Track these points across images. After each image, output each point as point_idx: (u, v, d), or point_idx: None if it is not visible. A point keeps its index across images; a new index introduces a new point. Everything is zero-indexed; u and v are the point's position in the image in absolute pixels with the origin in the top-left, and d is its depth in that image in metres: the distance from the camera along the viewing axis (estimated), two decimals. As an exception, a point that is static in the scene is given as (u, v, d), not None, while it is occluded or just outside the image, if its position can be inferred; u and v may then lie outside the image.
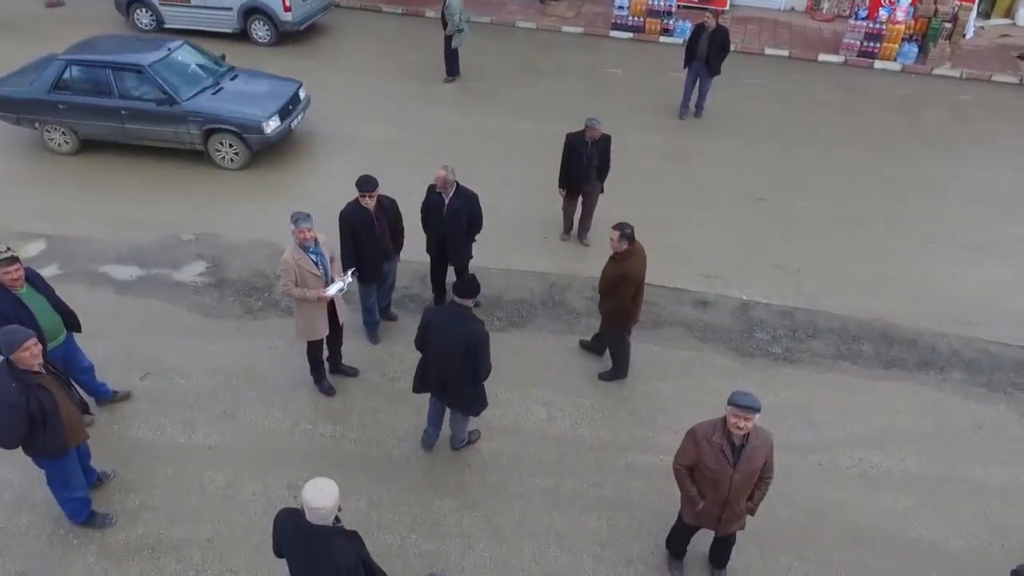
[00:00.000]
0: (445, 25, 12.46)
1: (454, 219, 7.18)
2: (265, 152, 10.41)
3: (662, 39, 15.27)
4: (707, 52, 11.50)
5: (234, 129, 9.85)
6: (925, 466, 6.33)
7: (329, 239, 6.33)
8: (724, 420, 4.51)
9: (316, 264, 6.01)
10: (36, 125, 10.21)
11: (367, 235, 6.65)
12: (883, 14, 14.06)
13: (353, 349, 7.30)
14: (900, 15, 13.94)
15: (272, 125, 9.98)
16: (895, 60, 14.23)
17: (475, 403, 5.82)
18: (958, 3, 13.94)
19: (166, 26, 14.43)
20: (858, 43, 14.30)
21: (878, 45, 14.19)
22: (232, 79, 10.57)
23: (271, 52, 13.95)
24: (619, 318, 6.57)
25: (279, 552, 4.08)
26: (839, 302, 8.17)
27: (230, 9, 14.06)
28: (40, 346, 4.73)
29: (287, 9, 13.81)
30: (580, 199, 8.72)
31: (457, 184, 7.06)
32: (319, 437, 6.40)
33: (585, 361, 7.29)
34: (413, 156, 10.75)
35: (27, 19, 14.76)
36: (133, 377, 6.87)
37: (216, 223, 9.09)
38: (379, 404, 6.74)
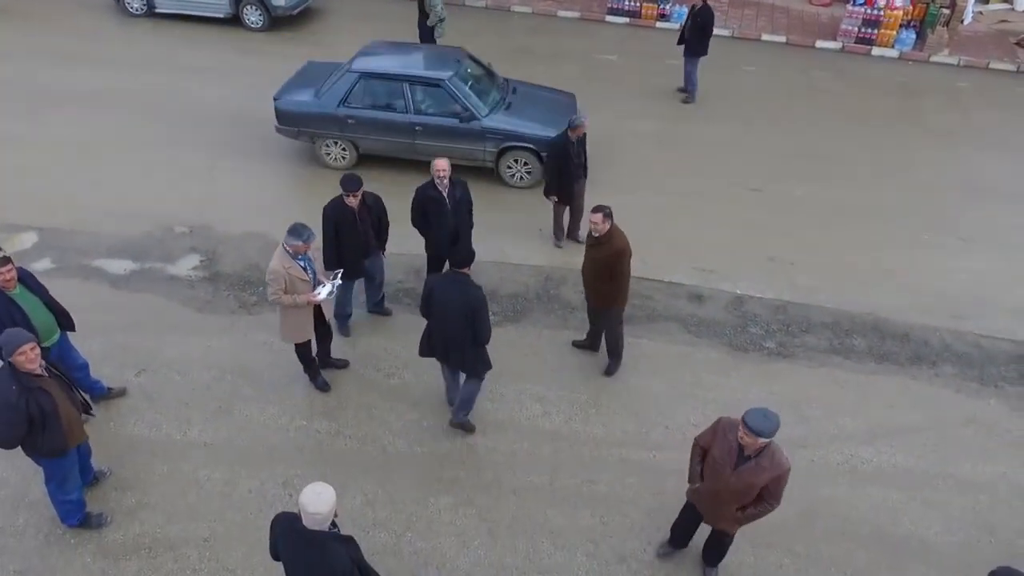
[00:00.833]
0: (425, 14, 12.23)
1: (459, 210, 7.20)
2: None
3: (658, 24, 15.13)
4: (688, 32, 11.52)
5: (532, 147, 9.43)
6: (916, 461, 6.39)
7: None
8: None
9: (305, 270, 6.02)
10: (315, 139, 9.81)
11: (350, 232, 6.67)
12: (881, 0, 13.95)
13: (348, 343, 7.33)
14: (898, 1, 13.84)
15: None
16: (893, 47, 14.14)
17: (478, 364, 6.07)
18: (957, -11, 13.85)
19: (157, 11, 14.25)
20: (856, 29, 14.20)
21: (876, 31, 14.09)
22: (513, 92, 10.10)
23: (264, 37, 13.82)
24: (620, 296, 6.56)
25: (275, 555, 4.11)
26: (832, 295, 8.20)
27: (223, -7, 13.87)
28: (38, 349, 4.73)
29: (279, -7, 13.64)
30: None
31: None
32: (314, 434, 6.43)
33: (579, 356, 7.32)
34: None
35: (16, 1, 14.52)
36: (128, 373, 6.88)
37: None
38: (374, 400, 6.76)
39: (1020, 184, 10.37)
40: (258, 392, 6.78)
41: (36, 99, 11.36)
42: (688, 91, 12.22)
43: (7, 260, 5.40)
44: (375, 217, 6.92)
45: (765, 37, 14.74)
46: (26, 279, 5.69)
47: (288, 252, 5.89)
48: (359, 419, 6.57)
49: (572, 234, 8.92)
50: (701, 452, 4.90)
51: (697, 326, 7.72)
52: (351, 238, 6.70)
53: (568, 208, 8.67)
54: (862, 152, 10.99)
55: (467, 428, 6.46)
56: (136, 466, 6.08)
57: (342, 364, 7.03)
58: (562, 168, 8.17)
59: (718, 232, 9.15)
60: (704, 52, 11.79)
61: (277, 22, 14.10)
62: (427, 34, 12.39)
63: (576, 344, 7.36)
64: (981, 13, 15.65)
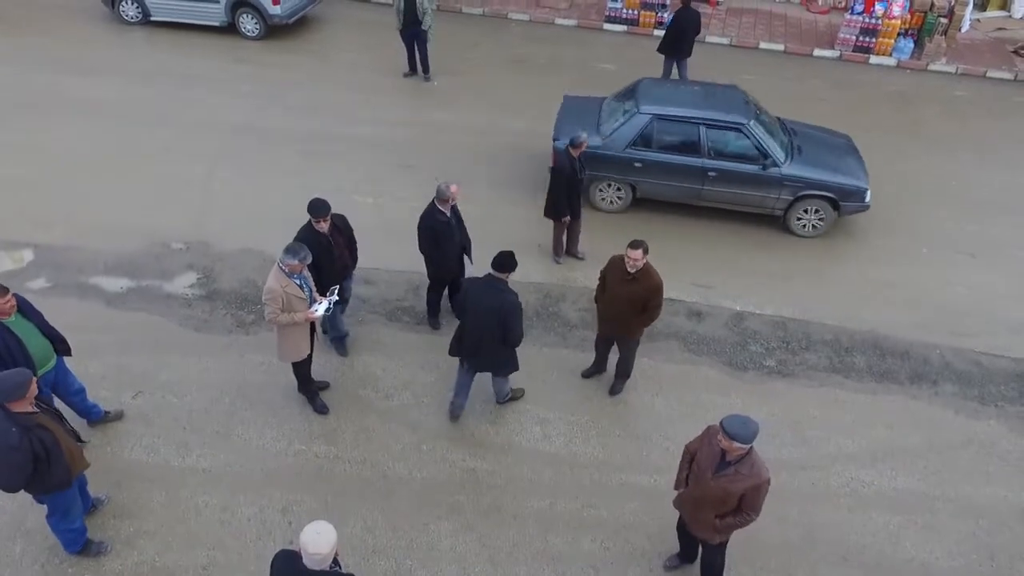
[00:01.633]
0: (414, 22, 12.05)
1: (461, 229, 7.28)
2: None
3: (656, 32, 15.06)
4: (670, 34, 11.98)
5: (831, 196, 8.98)
6: (916, 484, 6.39)
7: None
8: None
9: (301, 287, 6.00)
10: (592, 181, 9.32)
11: (326, 258, 6.62)
12: (879, 8, 13.94)
13: (346, 363, 7.30)
14: (896, 10, 13.83)
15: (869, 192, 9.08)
16: (891, 55, 14.14)
17: (506, 365, 6.38)
18: (954, -2, 13.86)
19: (152, 19, 14.17)
20: (854, 38, 14.20)
21: (874, 40, 14.09)
22: (794, 133, 9.61)
23: (259, 47, 13.75)
24: (643, 328, 6.56)
25: (275, 593, 4.08)
26: (832, 311, 8.19)
27: (218, 1, 13.79)
28: (36, 388, 4.69)
29: (276, 2, 13.57)
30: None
31: None
32: (313, 458, 6.40)
33: (579, 377, 7.29)
34: (398, 157, 10.71)
35: (8, 7, 14.41)
36: (125, 396, 6.84)
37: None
38: (373, 422, 6.73)
39: (1018, 196, 10.37)
40: (256, 414, 6.74)
41: (29, 109, 11.27)
42: None
43: (6, 290, 5.35)
44: (347, 238, 6.92)
45: (763, 45, 14.73)
46: (22, 305, 5.63)
47: (284, 271, 5.86)
48: (358, 442, 6.54)
49: (571, 250, 8.90)
50: (689, 457, 5.05)
51: (697, 344, 7.71)
52: (328, 263, 6.66)
53: (568, 227, 8.65)
54: (860, 163, 10.97)
55: (516, 396, 6.93)
56: (134, 492, 6.04)
57: (324, 385, 6.98)
58: (569, 192, 8.13)
59: (715, 248, 9.13)
60: (687, 54, 12.10)
61: (273, 31, 14.03)
62: (413, 38, 12.32)
63: (586, 375, 7.26)
64: (979, 20, 15.65)
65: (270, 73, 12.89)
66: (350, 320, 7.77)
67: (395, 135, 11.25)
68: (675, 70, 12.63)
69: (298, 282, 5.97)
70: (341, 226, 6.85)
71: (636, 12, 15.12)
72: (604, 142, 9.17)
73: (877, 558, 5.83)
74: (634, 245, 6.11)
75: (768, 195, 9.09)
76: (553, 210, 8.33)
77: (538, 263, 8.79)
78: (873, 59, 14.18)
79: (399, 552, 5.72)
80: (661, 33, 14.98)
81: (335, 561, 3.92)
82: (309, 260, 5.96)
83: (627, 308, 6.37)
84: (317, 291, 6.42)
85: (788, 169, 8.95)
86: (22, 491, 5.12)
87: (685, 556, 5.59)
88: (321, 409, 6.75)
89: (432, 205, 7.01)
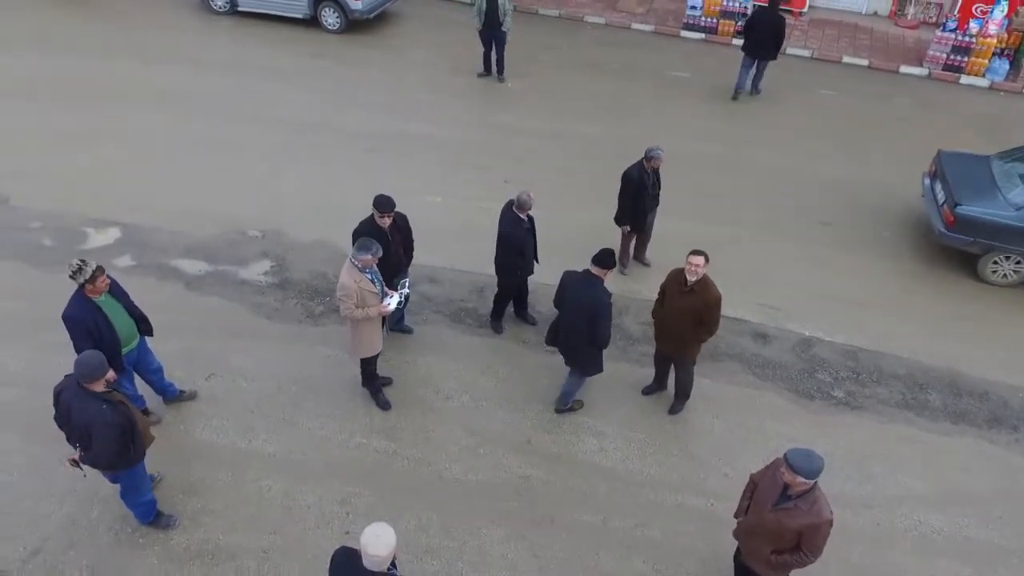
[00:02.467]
0: (493, 24, 12.11)
1: (535, 238, 7.33)
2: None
3: (734, 41, 14.81)
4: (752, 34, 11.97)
5: None
6: (989, 534, 6.12)
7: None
8: None
9: (373, 282, 6.12)
10: (986, 251, 8.66)
11: (383, 255, 6.71)
12: (974, 26, 13.36)
13: (409, 363, 7.41)
14: (992, 28, 13.23)
15: None
16: (983, 76, 13.53)
17: (589, 365, 6.46)
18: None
19: (240, 8, 14.62)
20: (944, 56, 13.64)
21: (966, 59, 13.51)
22: None
23: (338, 40, 14.04)
24: (699, 345, 6.48)
25: (333, 587, 4.18)
26: (907, 343, 7.91)
27: (304, -6, 14.15)
28: (113, 374, 4.94)
29: (357, -2, 13.85)
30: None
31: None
32: (373, 452, 6.53)
33: (638, 391, 7.23)
34: (470, 157, 10.80)
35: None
36: (199, 377, 7.09)
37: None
38: (433, 423, 6.82)
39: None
40: (320, 405, 6.91)
41: (117, 96, 11.77)
42: (738, 89, 12.63)
43: (102, 270, 5.61)
44: (404, 237, 7.03)
45: (846, 59, 14.29)
46: (111, 285, 5.88)
47: (356, 266, 5.98)
48: (417, 441, 6.64)
49: (639, 256, 8.84)
50: (752, 487, 4.95)
51: (761, 368, 7.55)
52: (383, 258, 6.77)
53: (636, 238, 8.59)
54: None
55: (574, 408, 6.94)
56: (203, 471, 6.27)
57: (387, 381, 7.10)
58: (636, 199, 8.07)
59: (786, 266, 8.93)
60: (771, 56, 12.19)
61: (353, 25, 14.32)
62: (492, 39, 12.36)
63: (645, 392, 7.19)
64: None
65: (346, 68, 13.16)
66: (415, 318, 7.91)
67: (466, 135, 11.35)
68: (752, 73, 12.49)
69: (370, 276, 6.09)
70: (401, 225, 6.95)
71: (715, 20, 14.87)
72: (1018, 212, 8.39)
73: (941, 607, 5.63)
74: (696, 252, 6.05)
75: None
76: (619, 216, 8.28)
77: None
78: (964, 79, 13.60)
79: (451, 554, 5.79)
80: (740, 42, 14.78)
81: (392, 564, 3.98)
82: (380, 254, 6.08)
83: (683, 322, 6.30)
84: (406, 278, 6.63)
85: None
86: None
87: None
88: (384, 405, 6.88)
89: (513, 214, 7.04)
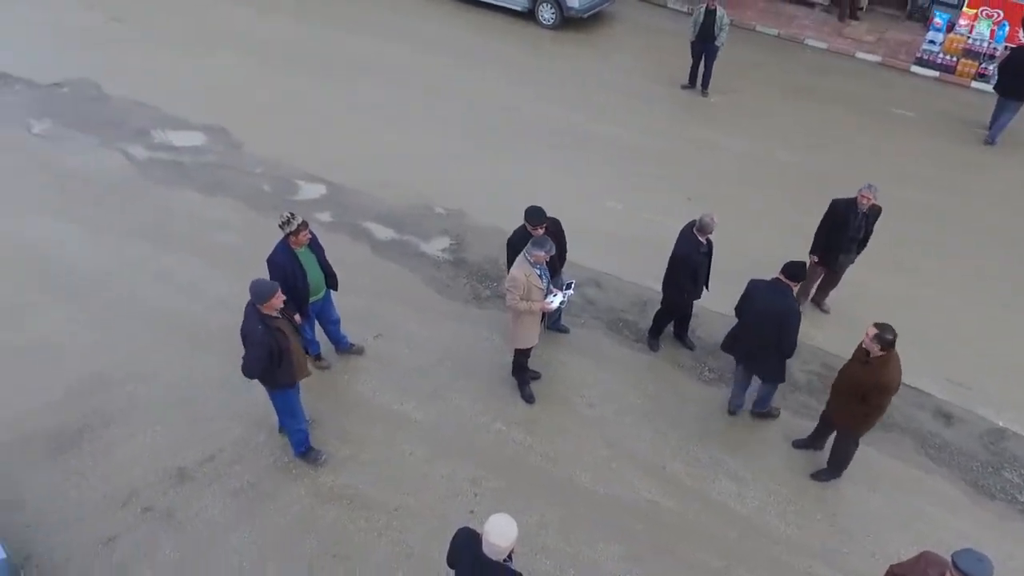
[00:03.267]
0: (707, 36, 11.82)
1: (710, 260, 7.15)
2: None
3: (974, 84, 13.38)
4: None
5: None
6: None
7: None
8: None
9: (541, 278, 6.28)
10: None
11: None
12: None
13: (561, 362, 7.52)
14: None
15: None
16: None
17: (775, 373, 6.52)
18: None
19: (464, -4, 15.39)
20: None
21: None
22: None
23: (550, 36, 14.37)
24: (864, 426, 5.98)
25: (451, 564, 4.38)
26: (1124, 460, 6.82)
27: (526, -13, 14.61)
28: (282, 297, 5.46)
29: (577, -5, 14.07)
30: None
31: None
32: (510, 441, 6.73)
33: (789, 442, 6.85)
34: (657, 168, 10.69)
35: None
36: (368, 335, 7.65)
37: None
38: (572, 426, 6.90)
39: None
40: (470, 385, 7.22)
41: (343, 64, 12.83)
42: (991, 131, 11.55)
43: (306, 225, 6.23)
44: (557, 241, 6.99)
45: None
46: (312, 239, 6.52)
47: (529, 261, 6.16)
48: (554, 440, 6.75)
49: (818, 299, 8.32)
50: None
51: (937, 450, 6.86)
52: None
53: (824, 274, 8.07)
54: None
55: (772, 415, 7.02)
56: (356, 422, 6.79)
57: (535, 375, 7.25)
58: (832, 232, 7.59)
59: (986, 338, 8.01)
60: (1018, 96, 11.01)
61: (568, 22, 14.58)
62: (703, 51, 12.06)
63: (797, 445, 6.79)
64: None
65: (551, 63, 13.45)
66: (574, 320, 8.00)
67: (657, 145, 11.23)
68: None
69: (539, 272, 6.26)
70: (554, 231, 6.99)
71: (955, 59, 13.50)
72: None
73: None
74: (880, 326, 5.51)
75: None
76: (813, 245, 7.85)
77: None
78: None
79: (564, 559, 5.85)
80: (979, 86, 13.36)
81: (509, 556, 4.10)
82: (553, 252, 6.23)
83: (851, 393, 5.80)
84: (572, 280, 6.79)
85: None
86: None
87: None
88: (528, 398, 7.06)
89: (692, 236, 6.89)
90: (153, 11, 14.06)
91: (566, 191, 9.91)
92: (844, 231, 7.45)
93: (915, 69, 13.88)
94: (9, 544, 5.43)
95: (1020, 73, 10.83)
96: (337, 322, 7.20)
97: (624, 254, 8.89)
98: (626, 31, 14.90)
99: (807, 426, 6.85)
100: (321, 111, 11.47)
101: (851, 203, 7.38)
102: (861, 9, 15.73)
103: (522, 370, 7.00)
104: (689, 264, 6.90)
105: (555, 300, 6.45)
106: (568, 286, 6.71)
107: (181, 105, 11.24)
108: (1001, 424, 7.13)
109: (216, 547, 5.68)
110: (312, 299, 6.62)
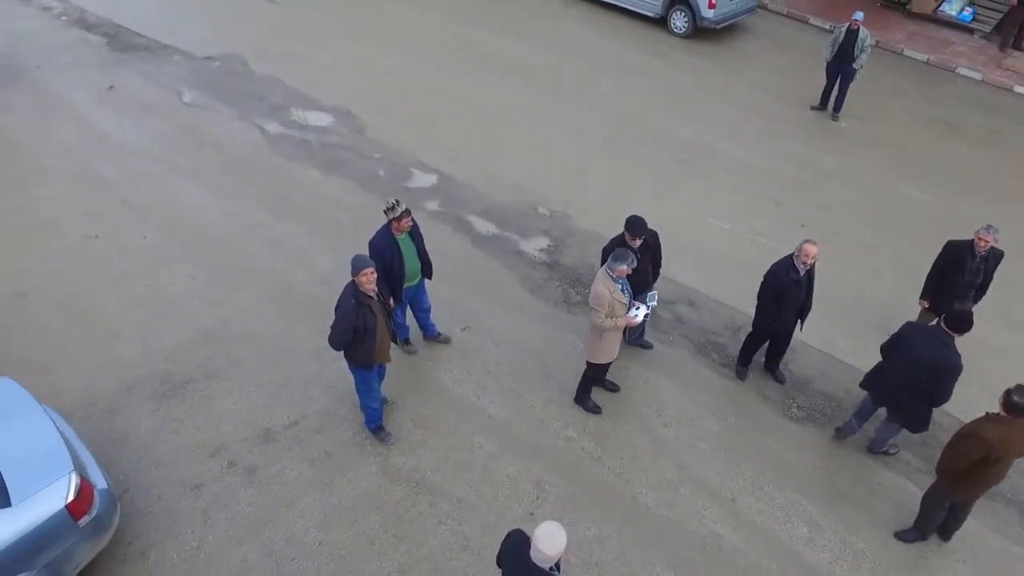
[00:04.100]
0: (846, 57, 11.19)
1: (809, 290, 6.81)
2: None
3: None
4: None
5: None
6: None
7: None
8: None
9: (623, 292, 6.22)
10: None
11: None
12: None
13: (640, 377, 7.43)
14: None
15: None
16: None
17: (917, 421, 6.20)
18: None
19: (598, -1, 15.38)
20: None
21: None
22: None
23: (681, 45, 14.11)
24: (964, 486, 5.56)
25: (499, 563, 4.44)
26: None
27: (661, -6, 14.41)
28: (376, 275, 5.68)
29: (711, 6, 13.73)
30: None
31: None
32: (579, 450, 6.71)
33: (876, 499, 6.45)
34: (773, 191, 10.32)
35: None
36: (456, 326, 7.84)
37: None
38: (644, 444, 6.80)
39: None
40: (547, 388, 7.25)
41: (470, 57, 13.15)
42: None
43: (408, 213, 6.45)
44: (653, 255, 6.95)
45: None
46: (413, 228, 6.75)
47: (611, 276, 6.11)
48: (622, 456, 6.68)
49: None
50: None
51: (1044, 529, 6.26)
52: (630, 275, 6.73)
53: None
54: None
55: (890, 453, 6.75)
56: (433, 409, 6.98)
57: (614, 388, 7.19)
58: (946, 276, 7.11)
59: None
60: None
61: (699, 32, 14.26)
62: (839, 73, 11.45)
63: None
64: None
65: (678, 73, 13.21)
66: (661, 336, 7.88)
67: (776, 167, 10.81)
68: None
69: (621, 286, 6.19)
70: (651, 243, 6.90)
71: None
72: None
73: None
74: (1009, 391, 5.09)
75: None
76: (923, 289, 7.38)
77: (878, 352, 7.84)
78: None
79: (618, 576, 5.80)
80: None
81: (556, 566, 4.11)
82: (635, 265, 6.16)
83: (959, 435, 5.44)
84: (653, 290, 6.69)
85: None
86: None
87: None
88: (593, 409, 7.00)
89: (788, 260, 6.64)
90: (307, -3, 14.96)
91: (672, 203, 9.75)
92: (959, 275, 6.94)
93: (1084, 109, 12.62)
94: (113, 476, 6.01)
95: None
96: (428, 310, 7.43)
97: (724, 275, 8.65)
98: (760, 45, 14.39)
99: (904, 486, 6.45)
100: (445, 103, 11.81)
101: (968, 245, 6.87)
102: (1029, 38, 14.48)
103: (593, 383, 6.95)
104: (775, 284, 6.63)
105: (639, 314, 6.36)
106: (651, 298, 6.60)
107: (317, 87, 11.90)
108: None
109: (287, 509, 6.03)
110: (406, 285, 6.85)
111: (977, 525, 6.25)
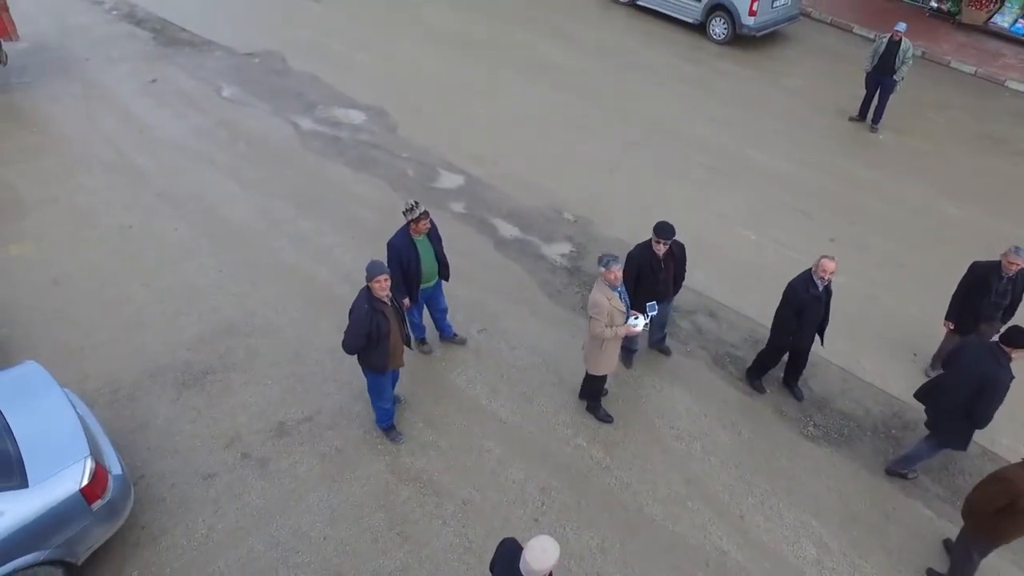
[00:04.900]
0: (886, 69, 10.92)
1: (825, 309, 6.71)
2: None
3: None
4: None
5: None
6: None
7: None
8: None
9: (621, 299, 6.17)
10: None
11: (649, 277, 6.66)
12: None
13: (655, 388, 7.37)
14: None
15: None
16: None
17: (952, 436, 6.07)
18: None
19: (639, 3, 15.27)
20: None
21: None
22: None
23: (719, 52, 13.95)
24: (980, 526, 5.37)
25: (491, 570, 4.46)
26: None
27: (700, 1, 14.25)
28: (389, 281, 5.74)
29: (752, 13, 13.54)
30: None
31: None
32: (588, 458, 6.70)
33: (889, 523, 6.30)
34: (804, 202, 10.13)
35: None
36: (473, 327, 7.88)
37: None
38: (654, 455, 6.75)
39: None
40: (560, 393, 7.25)
41: (505, 59, 13.18)
42: None
43: (427, 215, 6.51)
44: (677, 265, 6.88)
45: None
46: (431, 231, 6.80)
47: (607, 284, 6.04)
48: (632, 467, 6.64)
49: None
50: None
51: (1067, 566, 6.04)
52: (651, 284, 6.71)
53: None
54: None
55: (907, 477, 6.61)
56: (444, 410, 7.04)
57: (607, 419, 7.07)
58: (970, 297, 6.93)
59: None
60: None
61: (738, 39, 14.07)
62: (878, 84, 11.18)
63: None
64: None
65: (714, 80, 13.05)
66: (680, 347, 7.80)
67: (808, 179, 10.61)
68: None
69: (619, 294, 6.13)
70: (676, 253, 6.84)
71: None
72: None
73: None
74: None
75: None
76: (950, 310, 7.19)
77: (902, 372, 7.68)
78: None
79: (620, 588, 5.77)
80: None
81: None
82: (622, 269, 6.07)
83: (984, 489, 5.24)
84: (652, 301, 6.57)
85: None
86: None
87: None
88: (604, 418, 6.97)
89: (807, 275, 6.53)
90: (348, -4, 15.17)
91: (699, 212, 9.66)
92: (985, 297, 6.76)
93: None
94: (129, 462, 6.19)
95: None
96: (445, 311, 7.48)
97: (746, 286, 8.53)
98: (800, 53, 14.14)
99: (921, 512, 6.33)
100: (477, 103, 11.88)
101: (994, 266, 6.68)
102: (1085, 52, 13.96)
103: (598, 395, 6.92)
104: (795, 300, 6.53)
105: (639, 323, 6.29)
106: (651, 308, 6.50)
107: (352, 85, 12.07)
108: None
109: (296, 503, 6.14)
110: (423, 286, 6.92)
111: (999, 560, 6.02)
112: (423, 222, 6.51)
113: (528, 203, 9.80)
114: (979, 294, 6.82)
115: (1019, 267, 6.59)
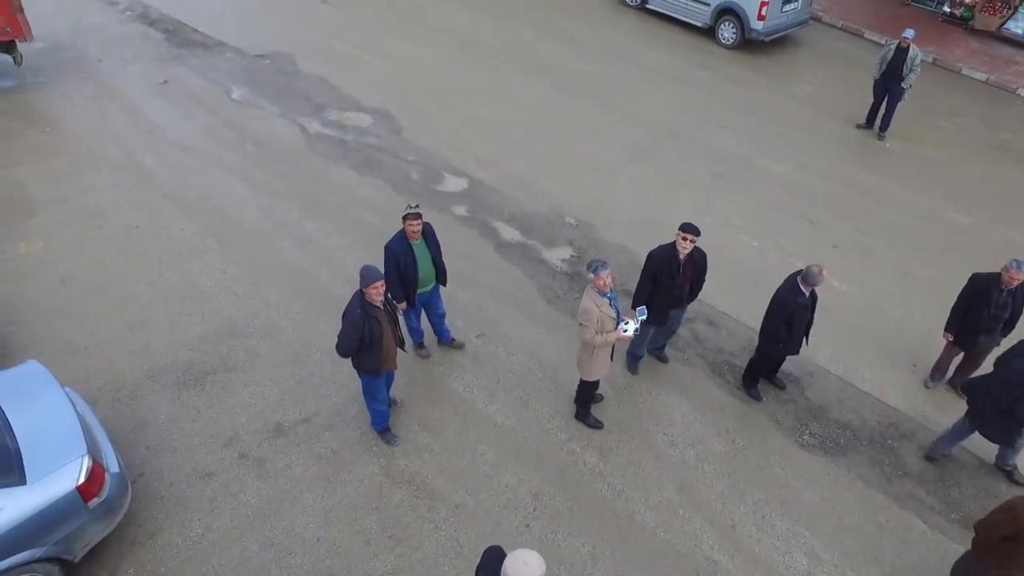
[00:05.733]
0: (894, 76, 10.84)
1: (810, 315, 6.72)
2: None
3: None
4: None
5: None
6: None
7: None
8: None
9: (611, 305, 6.17)
10: None
11: (668, 280, 6.66)
12: None
13: (651, 396, 7.39)
14: None
15: None
16: None
17: (1004, 434, 6.24)
18: None
19: (648, 7, 15.28)
20: None
21: None
22: None
23: (727, 57, 13.92)
24: (983, 553, 5.27)
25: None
26: None
27: (708, 5, 14.24)
28: (384, 287, 5.79)
29: (761, 18, 13.50)
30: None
31: None
32: (581, 464, 6.73)
33: (883, 535, 6.29)
34: (809, 209, 10.13)
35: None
36: (471, 332, 7.93)
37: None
38: (647, 462, 6.77)
39: None
40: (556, 399, 7.28)
41: (510, 61, 13.21)
42: None
43: (418, 216, 6.57)
44: (697, 272, 6.88)
45: None
46: (427, 234, 6.86)
47: (596, 290, 6.05)
48: (625, 473, 6.66)
49: (955, 382, 7.52)
50: None
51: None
52: (668, 286, 6.71)
53: (964, 355, 7.31)
54: None
55: (936, 458, 6.81)
56: (440, 413, 7.09)
57: (599, 399, 7.15)
58: (971, 310, 6.90)
59: None
60: None
61: (748, 44, 14.03)
62: (886, 92, 11.11)
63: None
64: None
65: (722, 85, 13.02)
66: (678, 354, 7.81)
67: (814, 185, 10.58)
68: None
69: (609, 300, 6.14)
70: (698, 260, 6.85)
71: None
72: None
73: None
74: None
75: None
76: (948, 321, 7.16)
77: (901, 382, 7.66)
78: None
79: (609, 594, 5.80)
80: None
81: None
82: (609, 270, 6.04)
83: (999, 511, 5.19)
84: (643, 304, 6.59)
85: None
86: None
87: None
88: (595, 424, 7.00)
89: (794, 284, 6.54)
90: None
91: (703, 218, 9.63)
92: (985, 309, 6.73)
93: None
94: (129, 460, 6.30)
95: None
96: (442, 316, 7.53)
97: (747, 294, 8.52)
98: (809, 59, 14.07)
99: (914, 524, 6.31)
100: (483, 106, 11.93)
101: (994, 279, 6.65)
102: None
103: (590, 401, 6.94)
104: (785, 310, 6.53)
105: (629, 328, 6.26)
106: (640, 312, 6.49)
107: (360, 87, 12.16)
108: None
109: (290, 503, 6.21)
110: (420, 290, 6.97)
111: None
112: (414, 223, 6.55)
113: (530, 206, 9.84)
114: (979, 306, 6.78)
115: (1020, 281, 6.55)
